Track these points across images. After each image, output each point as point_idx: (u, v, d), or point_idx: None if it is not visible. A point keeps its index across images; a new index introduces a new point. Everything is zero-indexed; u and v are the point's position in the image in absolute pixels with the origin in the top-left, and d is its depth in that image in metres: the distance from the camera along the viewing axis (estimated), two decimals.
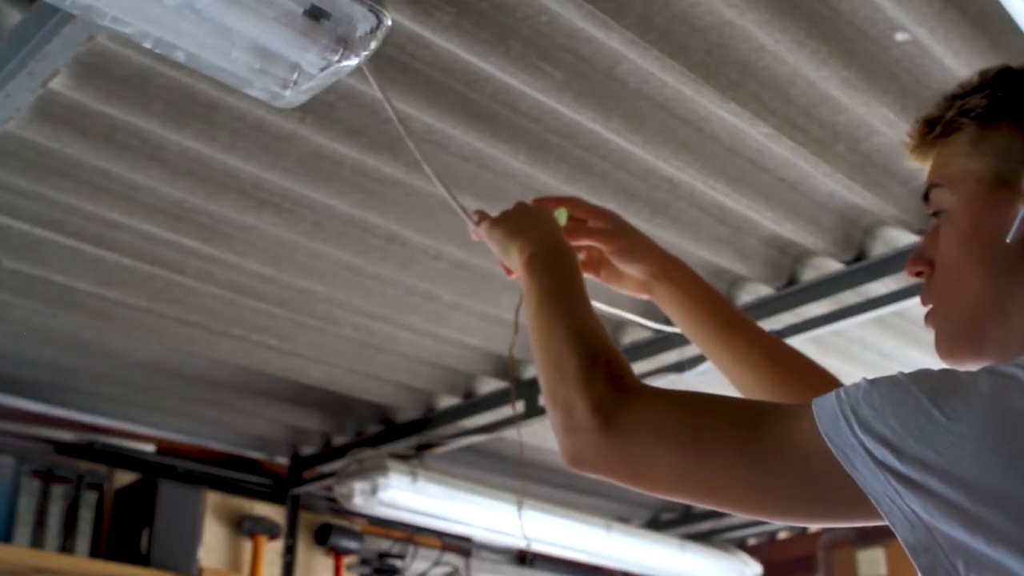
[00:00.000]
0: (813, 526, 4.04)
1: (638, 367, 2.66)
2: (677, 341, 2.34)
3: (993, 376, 0.78)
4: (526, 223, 1.22)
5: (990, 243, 0.91)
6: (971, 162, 0.94)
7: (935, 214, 0.97)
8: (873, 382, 0.81)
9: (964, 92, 0.97)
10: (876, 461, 0.77)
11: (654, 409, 0.92)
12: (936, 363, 0.89)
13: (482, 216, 1.28)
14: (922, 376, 0.80)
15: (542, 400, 2.78)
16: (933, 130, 0.98)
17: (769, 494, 0.86)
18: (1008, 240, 0.89)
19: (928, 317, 0.98)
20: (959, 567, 0.74)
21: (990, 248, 0.91)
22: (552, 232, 1.21)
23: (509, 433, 2.97)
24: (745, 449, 0.85)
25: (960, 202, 0.94)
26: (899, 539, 0.77)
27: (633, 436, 0.92)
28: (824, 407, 0.82)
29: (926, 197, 0.98)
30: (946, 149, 0.97)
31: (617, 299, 1.39)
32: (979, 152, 0.93)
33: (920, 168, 1.01)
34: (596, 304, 1.27)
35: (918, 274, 0.98)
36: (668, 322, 1.33)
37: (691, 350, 2.44)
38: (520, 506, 3.26)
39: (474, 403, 2.95)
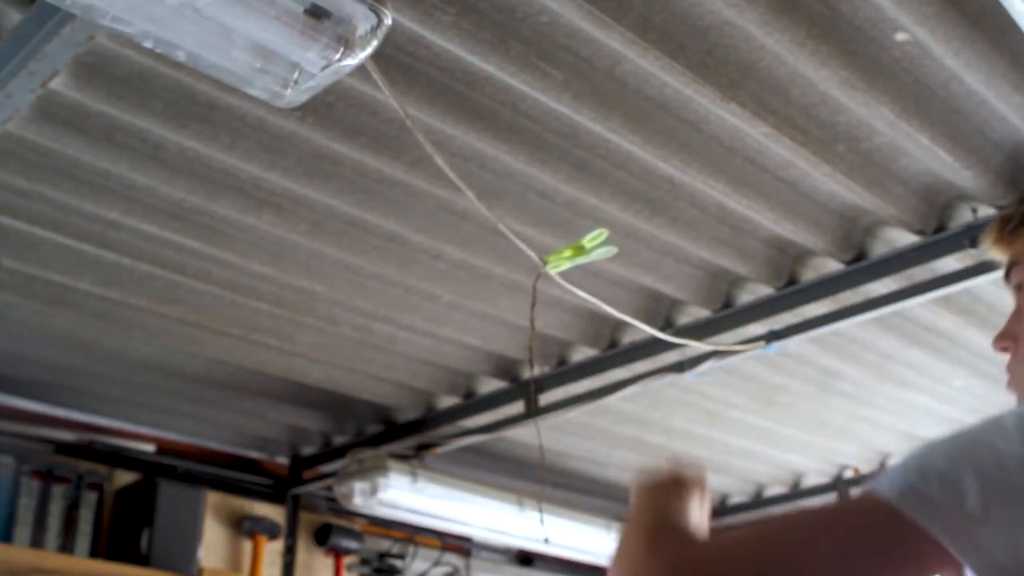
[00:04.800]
0: None
1: (638, 367, 2.66)
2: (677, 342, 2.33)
3: None
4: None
5: None
6: None
7: (1019, 288, 1.08)
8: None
9: None
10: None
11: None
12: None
13: None
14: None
15: (543, 399, 2.79)
16: (1009, 224, 1.10)
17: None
18: None
19: (1009, 385, 1.06)
20: None
21: None
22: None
23: (509, 433, 2.97)
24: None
25: None
26: None
27: None
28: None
29: (1007, 274, 1.09)
30: (1022, 238, 1.10)
31: (618, 298, 1.39)
32: None
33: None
34: (596, 302, 1.27)
35: (1003, 349, 1.07)
36: (667, 325, 1.33)
37: (691, 350, 2.44)
38: (540, 509, 3.26)
39: (474, 403, 2.96)
